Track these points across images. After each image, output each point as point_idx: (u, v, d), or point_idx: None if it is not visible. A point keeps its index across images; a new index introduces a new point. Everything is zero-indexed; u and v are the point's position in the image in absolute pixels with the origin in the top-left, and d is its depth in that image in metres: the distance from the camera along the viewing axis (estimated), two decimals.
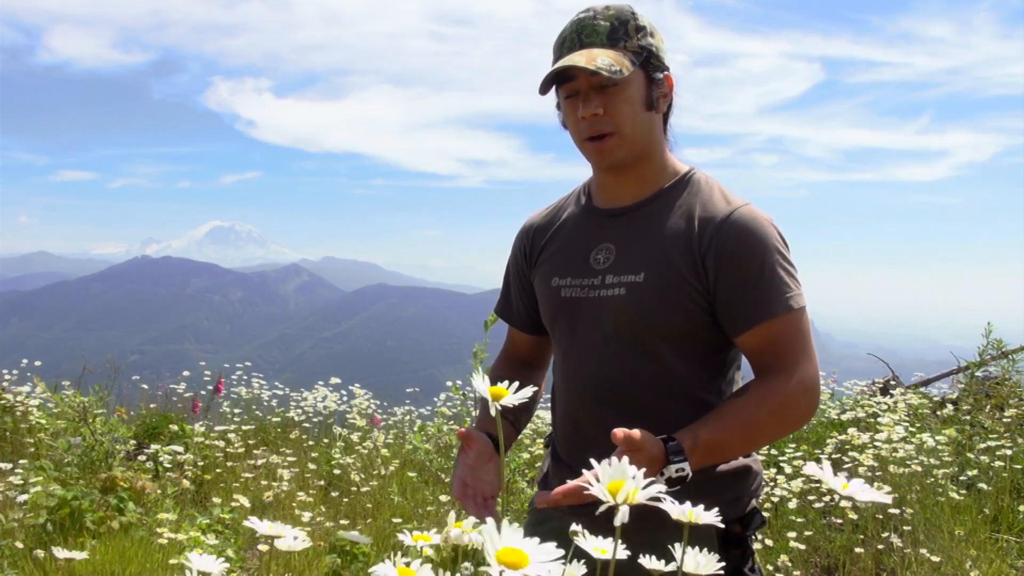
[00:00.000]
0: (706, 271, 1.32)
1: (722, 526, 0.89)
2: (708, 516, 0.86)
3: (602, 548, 0.93)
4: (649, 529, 1.20)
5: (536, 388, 1.49)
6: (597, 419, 1.39)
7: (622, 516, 0.76)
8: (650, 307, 1.33)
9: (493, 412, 0.85)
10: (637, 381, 1.36)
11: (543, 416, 4.39)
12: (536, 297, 1.54)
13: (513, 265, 1.61)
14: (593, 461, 0.82)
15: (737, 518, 1.36)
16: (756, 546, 1.54)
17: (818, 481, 3.53)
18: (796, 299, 1.30)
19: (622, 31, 1.34)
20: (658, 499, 0.78)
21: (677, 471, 1.17)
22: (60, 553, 1.15)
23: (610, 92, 1.32)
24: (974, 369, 4.65)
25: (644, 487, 0.78)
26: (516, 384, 0.95)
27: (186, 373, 6.11)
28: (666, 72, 1.38)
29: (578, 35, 1.34)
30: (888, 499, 0.79)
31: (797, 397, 1.28)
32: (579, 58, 1.29)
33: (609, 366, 1.38)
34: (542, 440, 3.87)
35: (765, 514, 1.50)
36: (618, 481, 0.79)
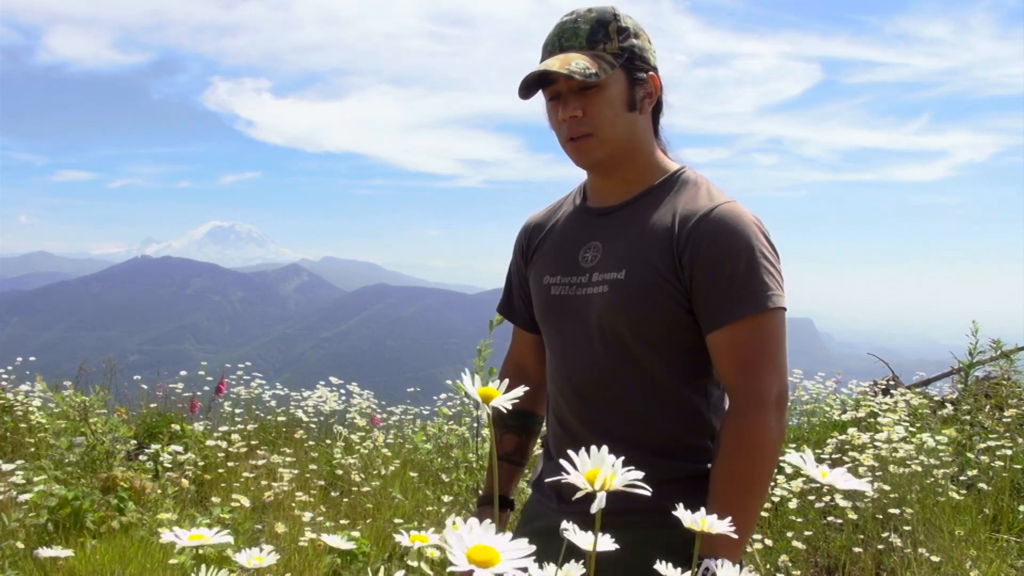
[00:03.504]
0: (683, 269, 1.31)
1: (735, 536, 0.89)
2: (721, 525, 0.85)
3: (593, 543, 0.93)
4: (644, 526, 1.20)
5: (529, 390, 1.52)
6: (582, 417, 1.40)
7: (599, 503, 0.74)
8: (631, 304, 1.34)
9: (484, 416, 0.85)
10: (620, 379, 1.37)
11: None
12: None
13: (513, 263, 1.63)
14: (571, 452, 0.81)
15: None
16: (757, 547, 1.54)
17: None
18: (774, 299, 1.28)
19: (602, 33, 1.35)
20: (636, 485, 0.77)
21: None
22: (44, 552, 1.13)
23: (589, 94, 1.33)
24: (967, 370, 4.64)
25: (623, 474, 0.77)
26: (507, 383, 0.90)
27: (183, 373, 6.11)
28: (651, 72, 1.39)
29: (558, 39, 1.36)
30: (868, 487, 0.79)
31: (766, 424, 1.26)
32: (554, 63, 1.31)
33: (593, 363, 1.38)
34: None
35: (764, 513, 1.50)
36: (596, 469, 0.78)
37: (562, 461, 0.80)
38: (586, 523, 0.95)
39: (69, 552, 1.13)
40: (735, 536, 1.25)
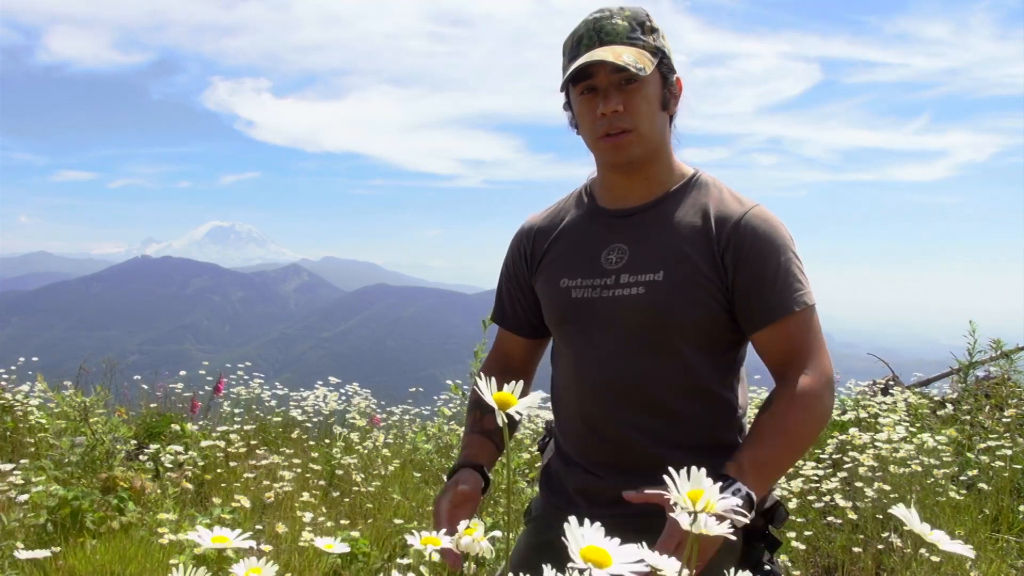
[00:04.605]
0: (725, 269, 1.34)
1: (733, 539, 0.89)
2: (720, 528, 0.85)
3: (599, 546, 0.92)
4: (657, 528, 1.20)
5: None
6: (616, 418, 1.40)
7: (701, 523, 0.78)
8: (670, 305, 1.34)
9: (500, 421, 0.82)
10: (655, 379, 1.37)
11: (544, 416, 4.38)
12: (536, 300, 1.54)
13: (511, 268, 1.59)
14: (672, 471, 0.81)
15: (760, 512, 1.36)
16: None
17: (818, 481, 3.54)
18: (809, 296, 1.34)
19: (639, 31, 1.35)
20: (735, 511, 0.80)
21: (733, 494, 1.16)
22: (22, 554, 1.13)
23: (630, 90, 1.33)
24: (967, 370, 4.64)
25: (720, 500, 0.79)
26: (520, 386, 0.88)
27: (183, 373, 6.10)
28: (676, 75, 1.40)
29: (596, 33, 1.35)
30: (970, 552, 0.78)
31: (821, 392, 1.30)
32: (606, 53, 1.30)
33: (626, 365, 1.38)
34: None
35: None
36: (698, 490, 0.79)
37: (665, 477, 0.80)
38: (623, 528, 0.95)
39: (46, 553, 1.12)
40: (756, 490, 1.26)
